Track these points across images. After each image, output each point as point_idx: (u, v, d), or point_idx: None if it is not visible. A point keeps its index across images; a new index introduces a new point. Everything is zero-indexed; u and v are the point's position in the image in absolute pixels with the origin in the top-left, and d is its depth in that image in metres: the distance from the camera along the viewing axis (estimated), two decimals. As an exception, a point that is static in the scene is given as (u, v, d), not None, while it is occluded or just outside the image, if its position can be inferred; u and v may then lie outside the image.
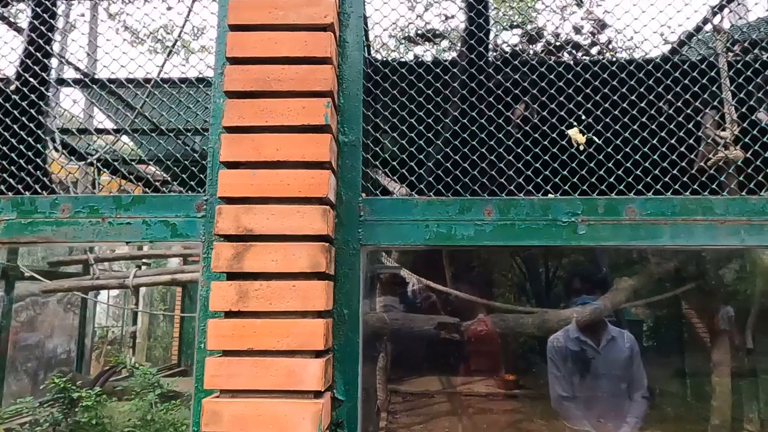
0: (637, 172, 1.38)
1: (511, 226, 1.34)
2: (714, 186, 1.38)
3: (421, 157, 1.38)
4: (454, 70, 1.46)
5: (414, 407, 6.22)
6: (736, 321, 3.86)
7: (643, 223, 1.34)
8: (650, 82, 1.40)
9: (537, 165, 1.36)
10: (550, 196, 1.35)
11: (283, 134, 1.27)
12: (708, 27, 2.61)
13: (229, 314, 1.20)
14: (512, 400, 6.36)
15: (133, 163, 1.77)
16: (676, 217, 1.33)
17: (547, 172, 1.37)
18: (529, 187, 1.35)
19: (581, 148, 1.41)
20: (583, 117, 1.38)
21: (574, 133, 1.41)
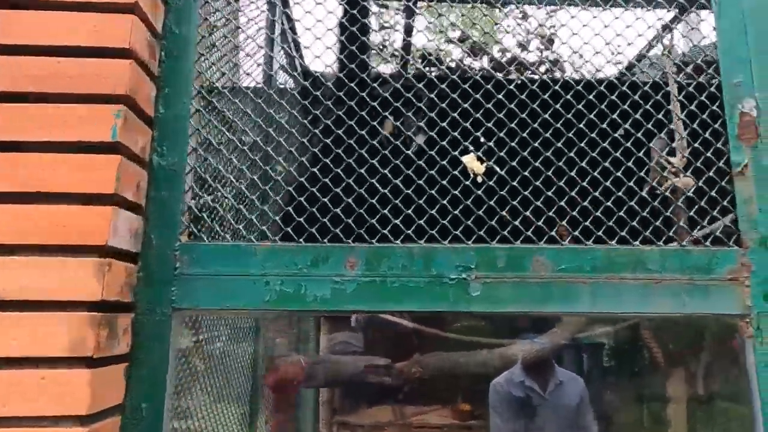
0: (551, 213, 1.06)
1: (382, 283, 0.99)
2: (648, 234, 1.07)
3: (266, 188, 1.03)
4: (314, 75, 1.13)
5: (362, 442, 5.80)
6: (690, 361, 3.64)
7: (555, 281, 1.01)
8: (568, 96, 1.10)
9: (420, 202, 1.03)
10: (435, 244, 1.01)
11: (51, 154, 0.89)
12: (652, 52, 2.43)
13: (-58, 421, 0.81)
14: (467, 432, 6.02)
15: None
16: (599, 275, 1.01)
17: (433, 212, 1.03)
18: (409, 231, 1.01)
19: (479, 179, 1.09)
20: (483, 140, 1.05)
21: (469, 160, 1.09)
